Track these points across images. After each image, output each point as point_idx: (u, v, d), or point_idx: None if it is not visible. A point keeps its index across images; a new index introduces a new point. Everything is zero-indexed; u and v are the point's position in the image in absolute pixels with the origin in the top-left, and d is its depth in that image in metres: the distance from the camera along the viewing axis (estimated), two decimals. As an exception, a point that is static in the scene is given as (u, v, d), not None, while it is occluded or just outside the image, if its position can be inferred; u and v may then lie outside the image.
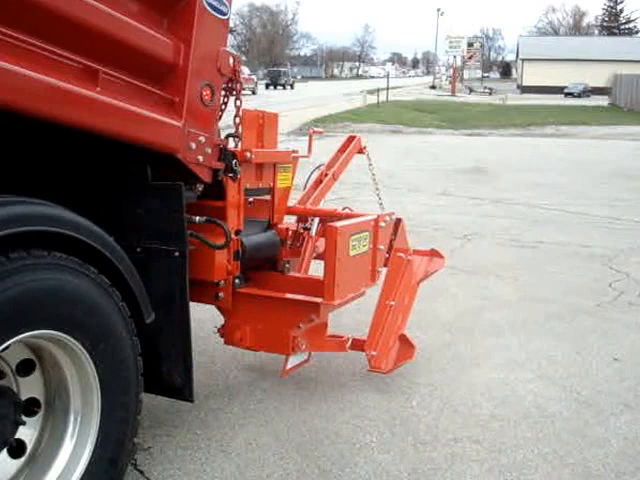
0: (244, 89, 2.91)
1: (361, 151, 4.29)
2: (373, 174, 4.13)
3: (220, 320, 3.37)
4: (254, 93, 41.41)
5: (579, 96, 56.85)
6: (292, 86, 56.57)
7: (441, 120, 26.63)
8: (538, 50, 69.50)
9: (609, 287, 5.57)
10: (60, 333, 2.06)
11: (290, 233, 3.93)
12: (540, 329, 4.56)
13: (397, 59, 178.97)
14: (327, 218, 3.64)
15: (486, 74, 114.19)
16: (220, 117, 2.91)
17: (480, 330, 4.49)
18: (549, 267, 6.16)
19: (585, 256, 6.62)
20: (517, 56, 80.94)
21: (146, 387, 2.72)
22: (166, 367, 2.68)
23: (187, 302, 2.62)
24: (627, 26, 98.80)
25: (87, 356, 2.15)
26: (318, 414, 3.29)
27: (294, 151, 3.50)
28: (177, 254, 2.56)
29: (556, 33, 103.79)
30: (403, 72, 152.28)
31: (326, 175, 4.03)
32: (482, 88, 68.61)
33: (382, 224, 3.33)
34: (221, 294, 3.01)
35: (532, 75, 68.18)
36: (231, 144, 3.01)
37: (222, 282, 2.98)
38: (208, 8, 2.55)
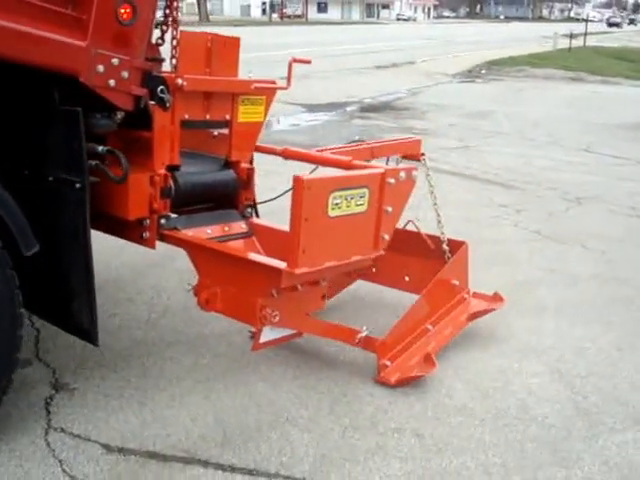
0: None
1: (415, 157, 3.64)
2: (432, 190, 3.57)
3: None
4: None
5: None
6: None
7: (636, 70, 23.83)
8: None
9: None
10: None
11: None
12: (593, 314, 3.87)
13: (616, 2, 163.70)
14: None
15: None
16: (160, 40, 2.76)
17: (520, 308, 3.88)
18: (658, 244, 5.23)
19: None
20: None
21: (60, 325, 2.76)
22: (76, 306, 2.61)
23: (88, 239, 2.50)
24: None
25: None
26: (264, 378, 3.06)
27: (271, 81, 3.15)
28: (78, 186, 2.43)
29: None
30: (622, 17, 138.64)
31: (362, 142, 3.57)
32: None
33: (390, 180, 2.81)
34: (146, 234, 2.84)
35: None
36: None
37: (147, 221, 2.81)
38: None
